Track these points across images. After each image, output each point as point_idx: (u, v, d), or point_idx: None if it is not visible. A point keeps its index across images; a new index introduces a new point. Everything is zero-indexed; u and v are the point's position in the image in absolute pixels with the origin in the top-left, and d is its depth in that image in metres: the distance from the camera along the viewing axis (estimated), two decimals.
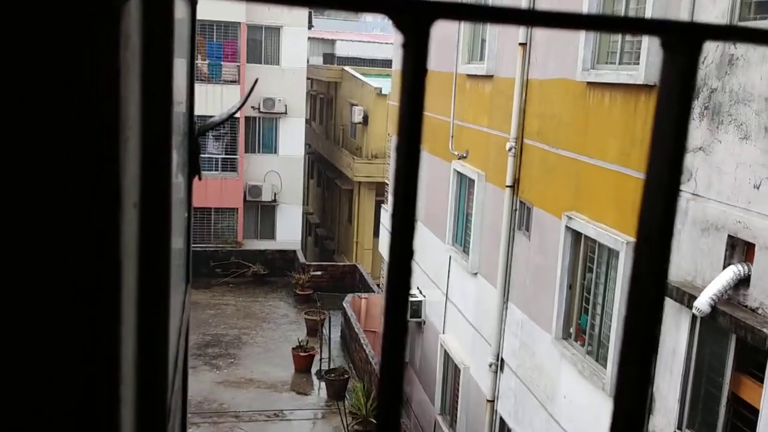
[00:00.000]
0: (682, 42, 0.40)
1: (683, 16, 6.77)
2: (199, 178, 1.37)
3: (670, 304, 6.82)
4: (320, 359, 17.31)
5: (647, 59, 7.28)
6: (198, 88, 26.52)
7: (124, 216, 0.47)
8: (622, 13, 8.04)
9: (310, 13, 27.07)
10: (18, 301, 0.45)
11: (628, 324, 0.44)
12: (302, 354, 17.45)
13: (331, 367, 17.04)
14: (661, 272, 0.42)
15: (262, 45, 26.03)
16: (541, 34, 9.84)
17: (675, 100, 0.40)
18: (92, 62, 0.42)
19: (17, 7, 0.40)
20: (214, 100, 24.24)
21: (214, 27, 24.97)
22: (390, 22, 0.42)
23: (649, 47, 7.26)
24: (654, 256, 0.42)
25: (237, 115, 24.95)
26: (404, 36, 0.37)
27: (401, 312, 0.41)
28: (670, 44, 0.40)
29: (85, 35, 0.41)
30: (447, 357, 13.16)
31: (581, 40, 8.57)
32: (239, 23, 24.96)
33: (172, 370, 0.94)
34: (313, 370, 17.51)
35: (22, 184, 0.43)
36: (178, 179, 1.16)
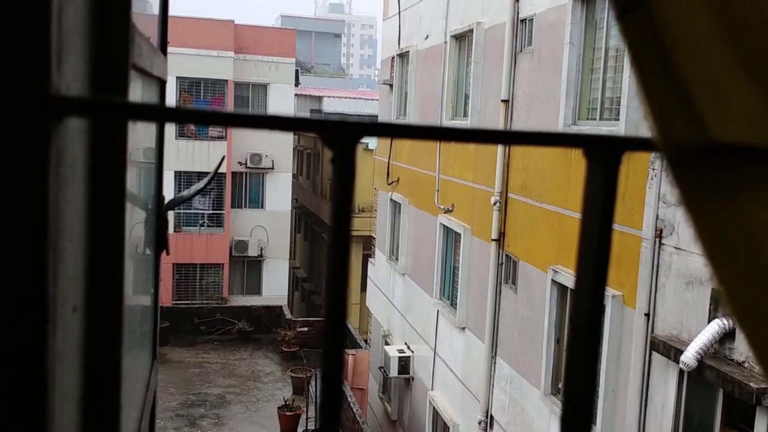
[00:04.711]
0: (604, 153, 0.41)
1: None
2: (167, 253, 1.36)
3: (657, 359, 6.78)
4: (306, 418, 16.98)
5: (627, 115, 7.42)
6: (185, 144, 26.54)
7: (56, 328, 0.46)
8: (599, 95, 8.23)
9: (296, 71, 27.51)
10: None
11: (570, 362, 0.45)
12: (288, 413, 17.11)
13: (318, 426, 16.70)
14: (591, 368, 0.43)
15: (249, 101, 26.33)
16: (522, 91, 10.03)
17: (599, 207, 0.42)
18: (19, 182, 0.42)
19: None
20: (201, 156, 24.36)
21: (202, 84, 25.27)
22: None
23: (629, 103, 7.41)
24: (584, 364, 0.43)
25: (224, 170, 25.07)
26: (332, 151, 0.39)
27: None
28: (593, 155, 0.42)
29: (11, 153, 0.41)
30: (436, 414, 12.95)
31: (562, 96, 8.74)
32: (226, 80, 25.30)
33: None
34: (300, 429, 17.15)
35: None
36: (144, 255, 1.15)
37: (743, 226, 0.44)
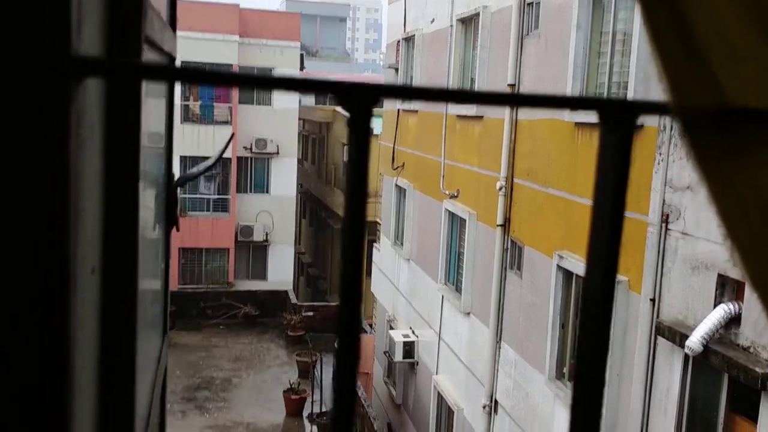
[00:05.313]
0: (619, 117, 0.42)
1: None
2: (177, 230, 1.37)
3: (662, 344, 6.79)
4: (312, 402, 17.08)
5: (634, 99, 7.38)
6: (191, 129, 26.48)
7: (76, 286, 0.47)
8: (606, 80, 8.18)
9: (301, 55, 27.42)
10: None
11: (582, 346, 0.46)
12: (294, 397, 17.22)
13: (323, 410, 16.81)
14: (603, 343, 0.44)
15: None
16: (529, 75, 9.98)
17: (613, 173, 0.42)
18: (42, 140, 0.42)
19: None
20: (206, 141, 24.36)
21: (206, 68, 25.19)
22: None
23: (636, 87, 7.37)
24: (595, 326, 0.43)
25: (229, 155, 25.06)
26: (349, 113, 0.39)
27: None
28: (608, 119, 0.42)
29: (33, 114, 0.42)
30: (440, 399, 13.01)
31: (569, 80, 8.69)
32: (231, 65, 25.23)
33: (143, 424, 0.92)
34: (305, 413, 17.26)
35: None
36: (155, 231, 1.16)
37: (756, 189, 0.44)
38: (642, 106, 0.48)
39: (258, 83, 0.43)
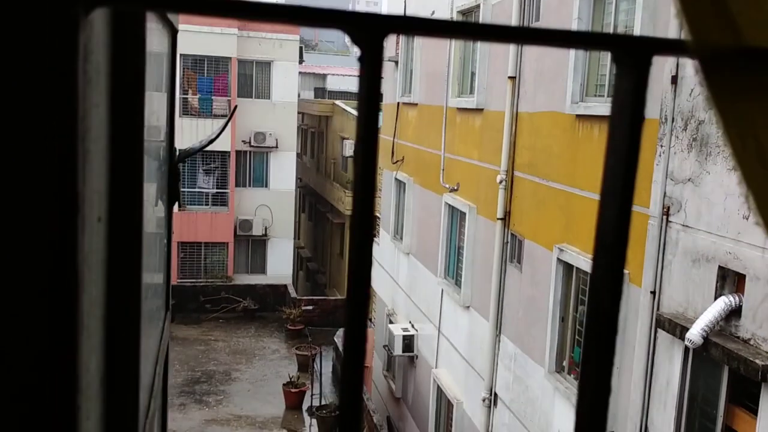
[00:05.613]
0: (632, 56, 0.40)
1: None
2: (179, 206, 1.35)
3: (663, 336, 6.79)
4: (312, 395, 17.10)
5: (650, 36, 7.35)
6: (189, 122, 26.43)
7: (84, 227, 0.45)
8: (607, 72, 8.15)
9: (300, 48, 27.36)
10: None
11: (589, 329, 0.44)
12: (293, 390, 17.23)
13: (323, 403, 16.82)
14: (617, 278, 0.43)
15: (253, 79, 26.22)
16: (530, 67, 9.96)
17: (628, 114, 0.41)
18: (48, 71, 0.41)
19: None
20: (205, 134, 24.30)
21: (205, 62, 25.15)
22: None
23: None
24: (610, 262, 0.42)
25: (228, 149, 25.04)
26: (360, 48, 0.38)
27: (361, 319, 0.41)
28: (621, 58, 0.41)
29: (41, 44, 0.40)
30: (440, 392, 13.02)
31: (570, 73, 8.67)
32: (230, 58, 25.18)
33: (147, 394, 0.91)
34: (305, 406, 17.28)
35: None
36: (158, 206, 1.14)
37: None
38: (659, 42, 0.46)
39: (264, 13, 0.41)
